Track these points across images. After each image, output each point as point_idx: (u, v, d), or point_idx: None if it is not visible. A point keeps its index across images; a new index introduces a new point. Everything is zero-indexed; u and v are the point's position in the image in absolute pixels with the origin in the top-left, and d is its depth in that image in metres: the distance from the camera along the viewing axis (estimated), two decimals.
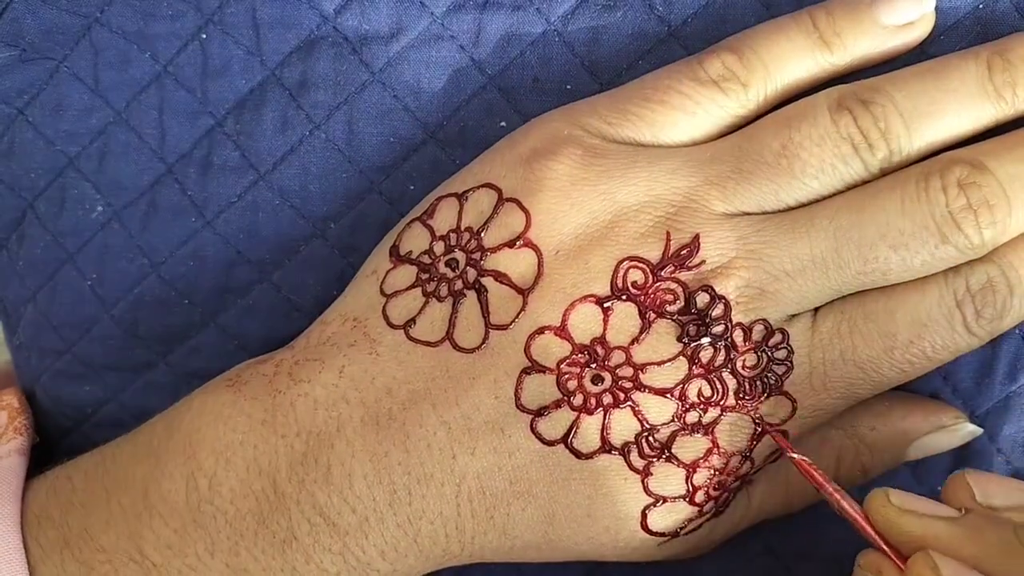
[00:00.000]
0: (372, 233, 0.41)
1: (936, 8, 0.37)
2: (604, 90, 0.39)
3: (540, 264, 0.35)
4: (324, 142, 0.41)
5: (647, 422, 0.35)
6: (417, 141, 0.41)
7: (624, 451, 0.35)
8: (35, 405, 0.46)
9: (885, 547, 0.32)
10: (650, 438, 0.35)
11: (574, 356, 0.35)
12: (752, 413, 0.35)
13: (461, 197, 0.37)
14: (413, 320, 0.36)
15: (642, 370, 0.35)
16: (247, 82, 0.41)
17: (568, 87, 0.40)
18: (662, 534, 0.36)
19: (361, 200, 0.41)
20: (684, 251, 0.35)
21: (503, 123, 0.40)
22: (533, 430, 0.35)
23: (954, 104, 0.35)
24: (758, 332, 0.35)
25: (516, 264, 0.35)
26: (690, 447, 0.35)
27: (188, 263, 0.43)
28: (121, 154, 0.42)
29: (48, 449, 0.46)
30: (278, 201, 0.41)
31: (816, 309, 0.36)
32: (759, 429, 0.35)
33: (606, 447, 0.35)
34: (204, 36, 0.41)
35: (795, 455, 0.34)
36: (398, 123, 0.40)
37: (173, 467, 0.36)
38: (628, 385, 0.35)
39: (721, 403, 0.35)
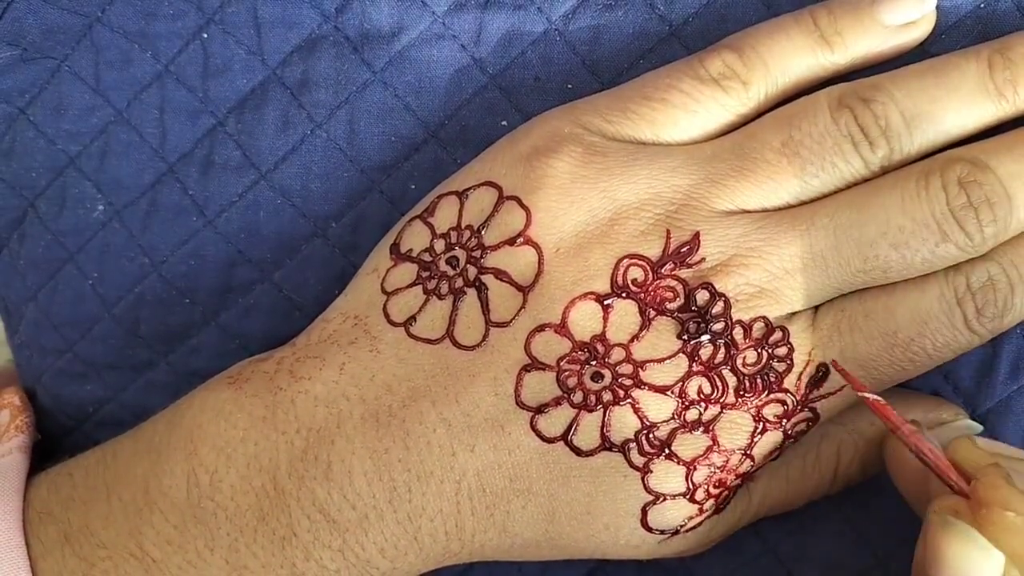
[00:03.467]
0: (373, 232, 0.41)
1: (937, 7, 0.37)
2: (605, 89, 0.39)
3: (540, 262, 0.35)
4: (325, 141, 0.41)
5: (647, 419, 0.35)
6: (418, 140, 0.41)
7: (624, 448, 0.35)
8: (36, 404, 0.47)
9: (962, 484, 0.32)
10: (650, 435, 0.35)
11: (574, 353, 0.35)
12: (752, 411, 0.35)
13: (461, 195, 0.37)
14: (414, 318, 0.36)
15: (642, 367, 0.35)
16: (248, 81, 0.41)
17: (569, 86, 0.40)
18: (662, 531, 0.36)
19: (362, 199, 0.41)
20: (684, 249, 0.35)
21: (504, 122, 0.40)
22: (533, 427, 0.35)
23: (955, 102, 0.35)
24: (758, 329, 0.35)
25: (516, 262, 0.35)
26: (690, 444, 0.35)
27: (189, 262, 0.43)
28: (122, 153, 0.42)
29: (50, 447, 0.46)
30: (279, 200, 0.41)
31: (816, 307, 0.36)
32: (759, 426, 0.35)
33: (606, 444, 0.35)
34: (205, 35, 0.41)
35: (868, 394, 0.34)
36: (399, 122, 0.40)
37: (174, 463, 0.36)
38: (628, 383, 0.35)
39: (721, 400, 0.35)
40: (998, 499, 0.30)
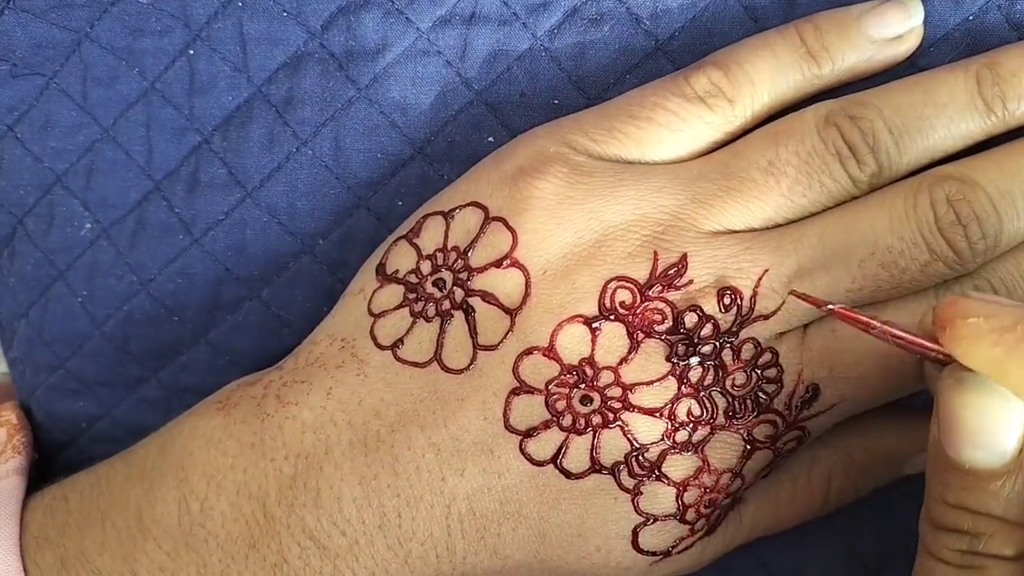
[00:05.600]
0: (361, 249, 0.40)
1: (925, 20, 0.37)
2: (592, 105, 0.39)
3: (527, 284, 0.35)
4: (311, 159, 0.41)
5: (636, 442, 0.35)
6: (405, 157, 0.40)
7: (614, 471, 0.35)
8: (31, 419, 0.46)
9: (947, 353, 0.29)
10: (640, 457, 0.35)
11: (562, 376, 0.34)
12: (742, 432, 0.35)
13: (447, 215, 0.37)
14: (401, 340, 0.36)
15: (631, 390, 0.34)
16: (234, 98, 0.41)
17: (555, 102, 0.40)
18: (653, 553, 0.36)
19: (349, 216, 0.41)
20: (672, 271, 0.34)
21: (491, 138, 0.40)
22: (522, 451, 0.35)
23: (943, 119, 0.35)
24: (747, 351, 0.35)
25: (503, 284, 0.35)
26: (680, 466, 0.35)
27: (177, 280, 0.42)
28: (108, 171, 0.42)
29: (44, 462, 0.46)
30: (266, 218, 0.41)
31: (806, 325, 0.36)
32: (750, 446, 0.35)
33: (596, 467, 0.35)
34: (191, 52, 0.41)
35: (832, 305, 0.32)
36: (385, 139, 0.40)
37: (166, 490, 0.36)
38: (617, 405, 0.34)
39: (711, 422, 0.35)
40: (959, 311, 0.28)
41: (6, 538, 0.37)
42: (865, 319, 0.31)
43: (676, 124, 0.36)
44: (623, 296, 0.35)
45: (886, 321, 0.31)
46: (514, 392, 0.35)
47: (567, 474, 0.35)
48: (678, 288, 0.35)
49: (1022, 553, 0.29)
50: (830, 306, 0.32)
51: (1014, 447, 0.29)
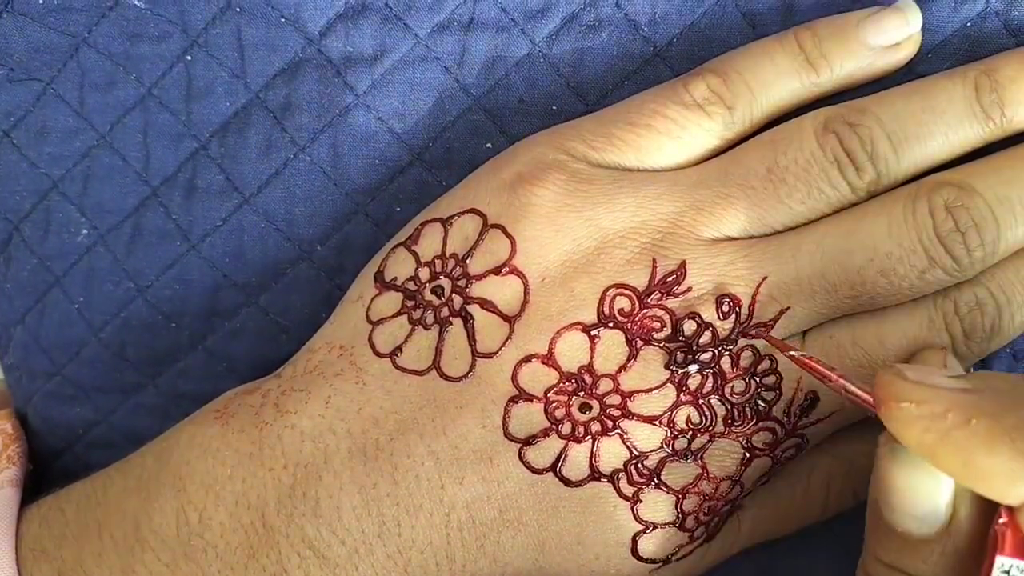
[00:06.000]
0: (358, 255, 0.40)
1: (923, 26, 0.37)
2: (590, 111, 0.39)
3: (526, 291, 0.35)
4: (309, 165, 0.41)
5: (636, 449, 0.35)
6: (403, 163, 0.40)
7: (613, 478, 0.35)
8: (27, 426, 0.46)
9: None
10: (639, 465, 0.35)
11: (561, 384, 0.34)
12: (741, 440, 0.35)
13: (446, 222, 0.37)
14: (400, 348, 0.36)
15: (630, 398, 0.34)
16: (231, 104, 0.41)
17: (554, 108, 0.40)
18: (653, 560, 0.36)
19: (347, 222, 0.41)
20: (670, 278, 0.34)
21: (489, 144, 0.40)
22: (521, 459, 0.35)
23: (941, 126, 0.35)
24: (746, 358, 0.35)
25: (502, 291, 0.35)
26: (679, 473, 0.35)
27: (174, 287, 0.42)
28: (105, 177, 0.42)
29: (40, 469, 0.46)
30: (263, 224, 0.41)
31: (805, 332, 0.36)
32: (748, 454, 0.35)
33: (595, 475, 0.35)
34: (189, 58, 0.41)
35: (795, 352, 0.33)
36: (383, 145, 0.40)
37: (163, 501, 0.36)
38: (616, 413, 0.34)
39: (710, 430, 0.35)
40: (892, 394, 0.29)
41: (2, 550, 0.36)
42: (823, 370, 0.32)
43: (675, 131, 0.36)
44: (622, 303, 0.34)
45: (841, 375, 0.32)
46: (513, 400, 0.35)
47: (566, 482, 0.35)
48: (677, 295, 0.34)
49: None
50: (792, 352, 0.33)
51: (943, 519, 0.29)
